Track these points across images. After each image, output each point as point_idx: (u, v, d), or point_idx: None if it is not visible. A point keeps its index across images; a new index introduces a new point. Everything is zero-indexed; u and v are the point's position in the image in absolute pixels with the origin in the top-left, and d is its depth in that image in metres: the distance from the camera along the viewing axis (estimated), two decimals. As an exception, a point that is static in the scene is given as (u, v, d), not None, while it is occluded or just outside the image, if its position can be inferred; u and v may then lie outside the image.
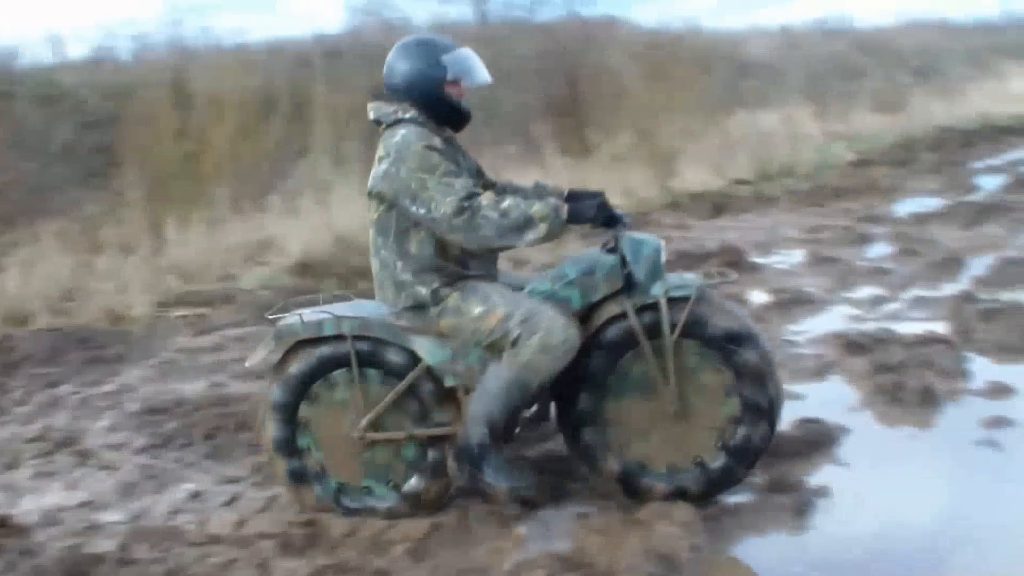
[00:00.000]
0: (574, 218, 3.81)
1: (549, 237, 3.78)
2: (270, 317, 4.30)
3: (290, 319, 4.17)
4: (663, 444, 4.12)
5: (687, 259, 8.50)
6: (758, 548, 3.93)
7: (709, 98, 15.42)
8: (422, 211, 3.82)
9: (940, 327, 6.44)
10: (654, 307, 3.99)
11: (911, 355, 5.77)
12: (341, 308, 4.26)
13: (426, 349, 4.05)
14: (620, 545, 3.80)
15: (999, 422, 4.93)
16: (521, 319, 3.83)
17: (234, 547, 4.08)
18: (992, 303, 6.82)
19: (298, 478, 4.26)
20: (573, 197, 4.05)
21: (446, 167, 3.84)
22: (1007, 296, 7.05)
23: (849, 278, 7.92)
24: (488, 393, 3.86)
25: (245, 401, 5.70)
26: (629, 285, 4.00)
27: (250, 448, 5.11)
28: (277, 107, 11.61)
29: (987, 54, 27.31)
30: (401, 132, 3.95)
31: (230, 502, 4.57)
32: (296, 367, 4.17)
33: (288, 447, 4.23)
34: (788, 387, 5.48)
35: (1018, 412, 5.04)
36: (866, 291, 7.56)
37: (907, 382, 5.41)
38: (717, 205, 11.64)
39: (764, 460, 4.33)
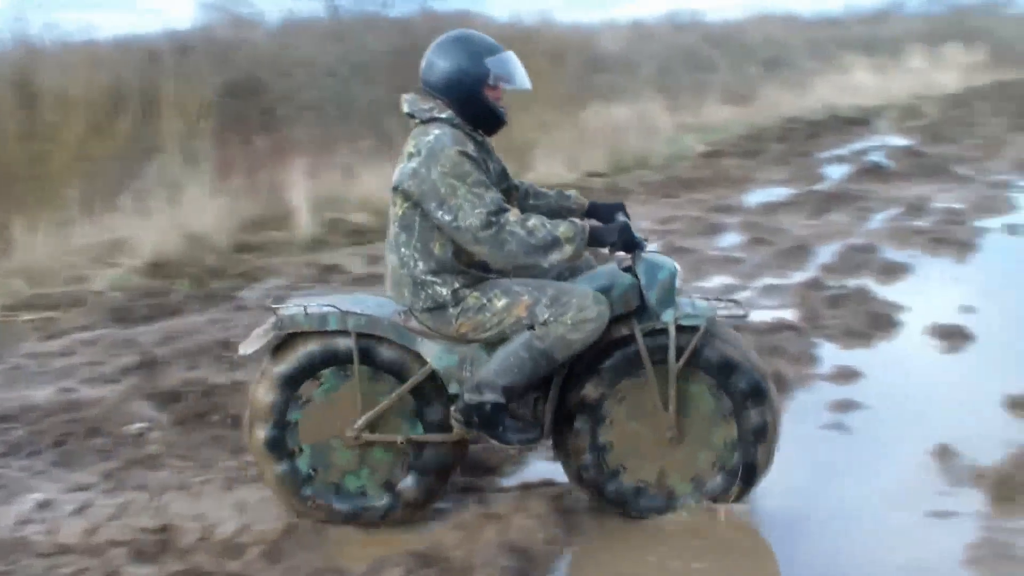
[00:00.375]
0: (596, 241, 3.78)
1: (573, 259, 3.77)
2: (271, 306, 4.09)
3: (293, 310, 4.00)
4: (661, 467, 4.06)
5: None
6: (614, 538, 3.97)
7: (563, 91, 15.50)
8: (447, 217, 3.72)
9: (789, 314, 6.61)
10: (662, 332, 3.92)
11: (761, 342, 5.89)
12: (344, 302, 4.07)
13: (433, 353, 3.95)
14: (476, 539, 3.79)
15: (846, 405, 5.08)
16: (549, 302, 3.78)
17: (84, 556, 3.92)
18: (839, 289, 7.05)
19: (287, 480, 4.06)
20: (595, 209, 4.13)
21: (477, 176, 3.73)
22: (853, 282, 7.28)
23: (702, 268, 8.05)
24: (511, 359, 3.79)
25: (96, 406, 5.51)
26: (640, 307, 3.94)
27: (100, 454, 4.93)
28: (127, 104, 11.27)
29: (831, 47, 28.09)
30: (435, 132, 3.82)
31: (80, 510, 4.39)
32: (289, 362, 3.99)
33: (278, 448, 4.04)
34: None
35: (864, 395, 5.21)
36: (718, 280, 7.69)
37: (761, 370, 5.52)
38: (572, 198, 11.70)
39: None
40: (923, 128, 16.42)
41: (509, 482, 4.49)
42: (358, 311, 3.96)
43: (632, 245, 3.87)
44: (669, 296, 3.93)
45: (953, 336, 6.08)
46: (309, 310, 3.95)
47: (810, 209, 10.17)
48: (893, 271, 7.65)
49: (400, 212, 3.87)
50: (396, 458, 4.08)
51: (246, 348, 4.02)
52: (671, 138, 15.54)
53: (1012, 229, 8.89)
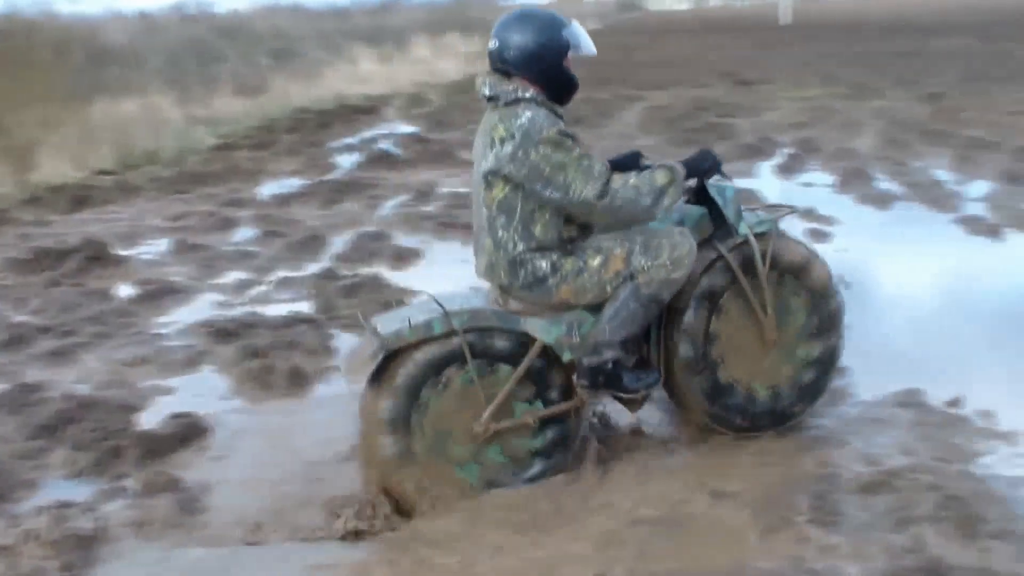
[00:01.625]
0: (693, 172, 4.04)
1: (677, 199, 3.95)
2: (372, 327, 3.95)
3: (394, 325, 3.88)
4: (752, 370, 4.35)
5: (48, 257, 8.00)
6: (136, 563, 3.79)
7: (67, 86, 14.66)
8: (556, 195, 3.83)
9: (305, 306, 6.61)
10: (742, 245, 4.26)
11: (278, 337, 5.86)
12: (443, 301, 3.98)
13: (540, 328, 3.97)
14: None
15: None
16: (642, 249, 3.94)
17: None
18: (353, 278, 7.13)
19: (410, 463, 3.93)
20: (616, 165, 4.20)
21: (579, 150, 3.83)
22: (366, 270, 7.41)
23: (216, 264, 7.88)
24: (623, 313, 3.93)
25: None
26: (715, 231, 4.23)
27: None
28: None
29: (339, 38, 28.59)
30: (527, 115, 3.85)
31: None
32: (404, 374, 3.88)
33: (403, 457, 3.91)
34: (159, 382, 5.39)
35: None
36: (233, 276, 7.57)
37: (275, 365, 5.48)
38: (78, 198, 11.04)
39: (136, 460, 4.30)
40: (428, 115, 17.04)
41: (20, 508, 4.17)
42: (459, 308, 3.94)
43: (718, 167, 4.14)
44: (739, 212, 4.26)
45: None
46: (413, 321, 3.85)
47: (322, 199, 10.25)
48: (405, 257, 7.86)
49: (499, 196, 3.90)
50: (524, 444, 4.07)
51: (354, 375, 3.95)
52: (181, 132, 15.10)
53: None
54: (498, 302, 4.09)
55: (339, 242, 8.38)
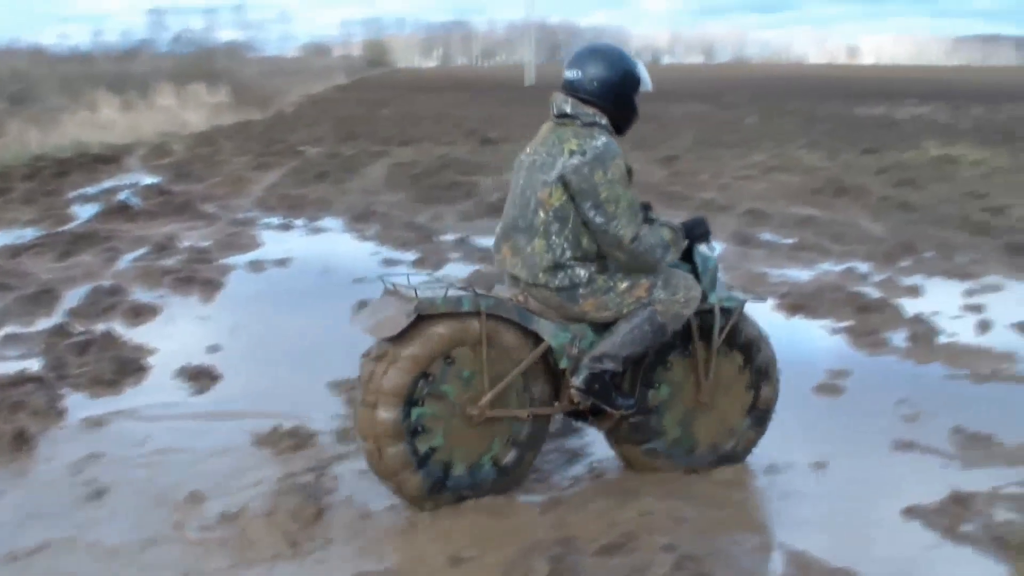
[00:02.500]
0: (688, 235, 4.48)
1: (676, 256, 4.43)
2: (390, 287, 4.28)
3: (428, 292, 4.17)
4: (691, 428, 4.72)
5: None
6: None
7: None
8: (599, 220, 4.21)
9: (34, 364, 6.33)
10: (707, 312, 4.62)
11: (3, 397, 5.58)
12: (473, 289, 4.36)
13: (550, 331, 4.33)
14: None
15: (93, 458, 4.96)
16: (663, 284, 4.37)
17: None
18: (86, 335, 6.87)
19: (406, 464, 4.17)
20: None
21: (633, 193, 4.26)
22: (101, 326, 7.16)
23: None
24: (635, 332, 4.31)
25: None
26: None
27: None
28: None
29: (81, 83, 27.64)
30: (602, 139, 4.25)
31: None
32: (422, 344, 4.11)
33: (403, 430, 4.14)
34: None
35: (110, 446, 5.12)
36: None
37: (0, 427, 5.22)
38: None
39: None
40: (171, 166, 16.69)
41: None
42: (486, 293, 4.29)
43: (707, 236, 4.56)
44: (714, 282, 4.60)
45: (201, 377, 6.20)
46: (450, 293, 4.15)
47: (57, 251, 9.83)
48: (142, 313, 7.64)
49: (557, 203, 4.25)
50: (508, 433, 4.37)
51: (383, 332, 4.08)
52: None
53: (255, 266, 9.28)
54: (517, 298, 4.42)
55: (73, 296, 8.05)
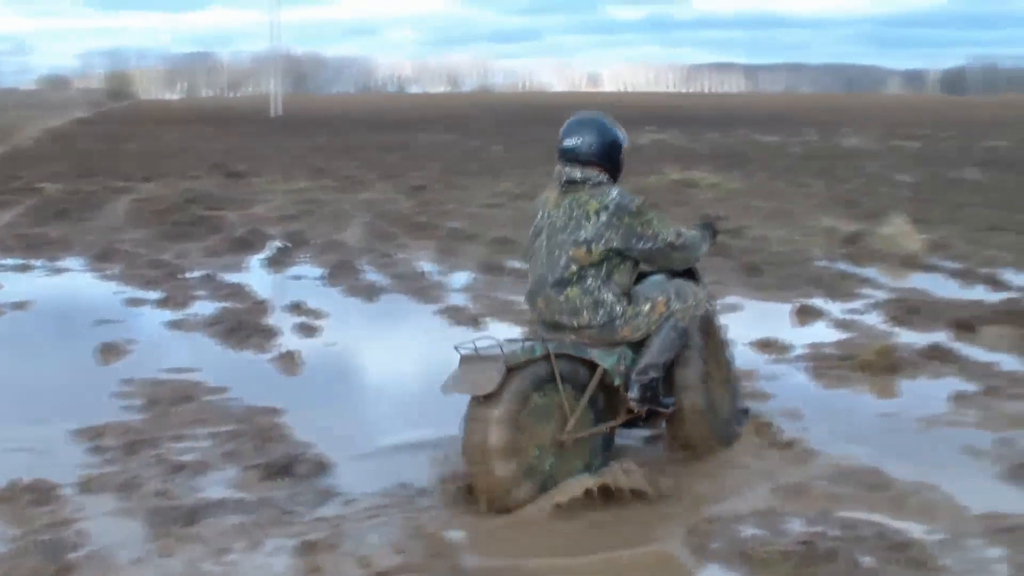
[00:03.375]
0: (711, 235, 5.49)
1: (711, 245, 5.51)
2: (462, 351, 4.70)
3: (508, 347, 4.70)
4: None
5: None
6: None
7: None
8: (648, 245, 5.01)
9: None
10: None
11: None
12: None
13: (601, 357, 5.00)
14: None
15: None
16: (676, 296, 5.18)
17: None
18: None
19: (515, 481, 4.62)
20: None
21: (654, 211, 5.11)
22: None
23: None
24: (666, 340, 5.09)
25: None
26: None
27: None
28: None
29: None
30: (615, 192, 5.04)
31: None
32: (510, 398, 4.62)
33: (520, 476, 4.64)
34: None
35: None
36: None
37: None
38: None
39: None
40: None
41: None
42: (547, 338, 4.99)
43: (717, 232, 5.59)
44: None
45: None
46: (523, 346, 4.80)
47: None
48: None
49: (596, 258, 4.97)
50: (592, 449, 4.97)
51: (482, 390, 4.57)
52: None
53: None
54: (570, 337, 5.05)
55: None
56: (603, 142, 5.11)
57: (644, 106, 61.99)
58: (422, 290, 9.52)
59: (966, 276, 10.29)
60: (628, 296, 5.09)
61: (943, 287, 9.80)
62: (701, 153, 25.52)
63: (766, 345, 7.51)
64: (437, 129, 36.26)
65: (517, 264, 10.75)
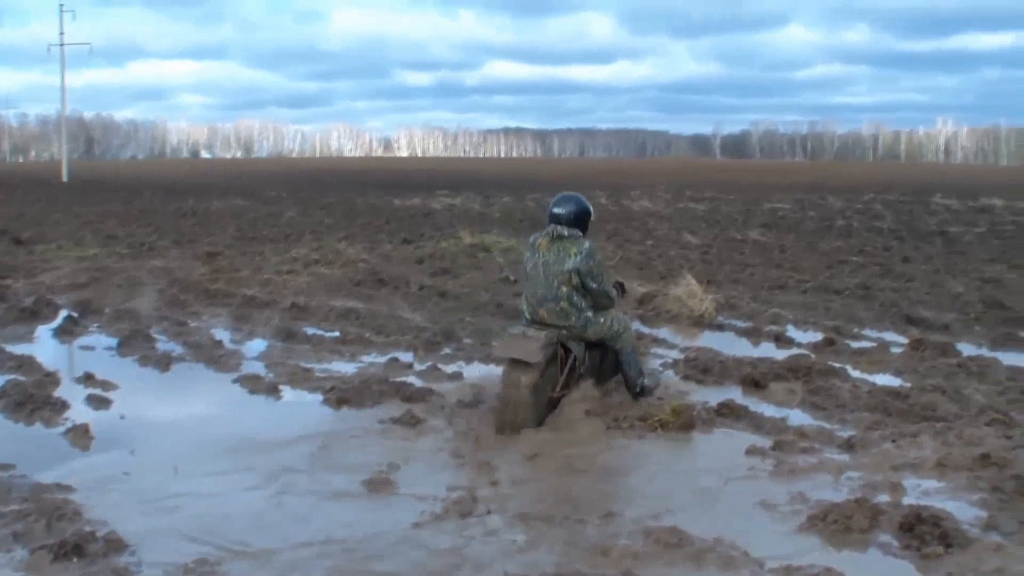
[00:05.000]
0: (620, 292, 8.27)
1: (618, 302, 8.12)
2: (515, 331, 7.50)
3: (544, 333, 7.40)
4: None
5: None
6: None
7: None
8: (595, 285, 7.47)
9: None
10: None
11: None
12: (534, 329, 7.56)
13: (575, 347, 7.55)
14: None
15: None
16: (616, 319, 7.73)
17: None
18: None
19: (534, 408, 7.18)
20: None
21: (605, 267, 7.77)
22: None
23: None
24: (631, 360, 7.78)
25: None
26: None
27: None
28: None
29: None
30: (587, 244, 7.47)
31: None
32: (536, 366, 7.18)
33: (531, 402, 7.14)
34: None
35: None
36: None
37: None
38: None
39: None
40: None
41: None
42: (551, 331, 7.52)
43: (623, 292, 8.44)
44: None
45: None
46: (549, 334, 7.41)
47: None
48: None
49: (576, 282, 7.39)
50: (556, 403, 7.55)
51: (531, 358, 7.14)
52: None
53: None
54: (561, 334, 7.51)
55: None
56: (579, 212, 7.58)
57: (438, 171, 62.57)
58: (218, 359, 9.41)
59: (753, 334, 10.88)
60: (594, 312, 7.54)
61: (733, 345, 10.33)
62: (495, 217, 25.93)
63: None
64: (231, 194, 35.81)
65: (314, 330, 10.75)
